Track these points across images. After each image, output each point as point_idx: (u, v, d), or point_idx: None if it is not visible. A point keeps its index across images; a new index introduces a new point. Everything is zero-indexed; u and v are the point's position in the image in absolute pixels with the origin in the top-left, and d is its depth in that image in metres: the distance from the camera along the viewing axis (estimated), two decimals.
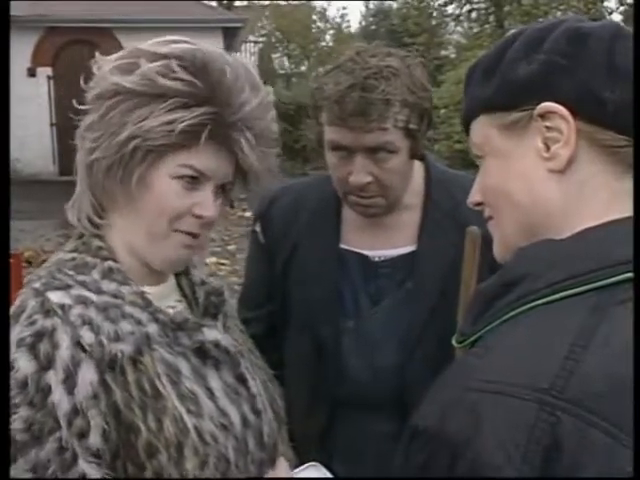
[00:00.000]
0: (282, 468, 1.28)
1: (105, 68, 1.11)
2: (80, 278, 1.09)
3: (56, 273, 1.10)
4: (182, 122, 1.05)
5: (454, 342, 0.84)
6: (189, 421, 1.06)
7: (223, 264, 7.65)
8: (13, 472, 0.97)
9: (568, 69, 0.80)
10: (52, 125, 15.47)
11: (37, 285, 1.07)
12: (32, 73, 15.62)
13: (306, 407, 1.66)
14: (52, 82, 15.43)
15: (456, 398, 0.71)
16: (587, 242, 0.77)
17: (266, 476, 1.21)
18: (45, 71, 15.61)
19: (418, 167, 1.64)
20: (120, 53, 1.13)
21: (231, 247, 9.08)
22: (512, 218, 0.86)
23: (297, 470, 1.41)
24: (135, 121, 1.06)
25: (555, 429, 0.65)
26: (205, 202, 1.12)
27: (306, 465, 1.44)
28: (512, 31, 0.91)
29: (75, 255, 1.13)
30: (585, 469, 0.63)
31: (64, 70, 14.83)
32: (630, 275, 0.72)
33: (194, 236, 1.14)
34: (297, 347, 1.70)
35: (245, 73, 1.12)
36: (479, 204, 0.92)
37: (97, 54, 1.14)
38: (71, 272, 1.10)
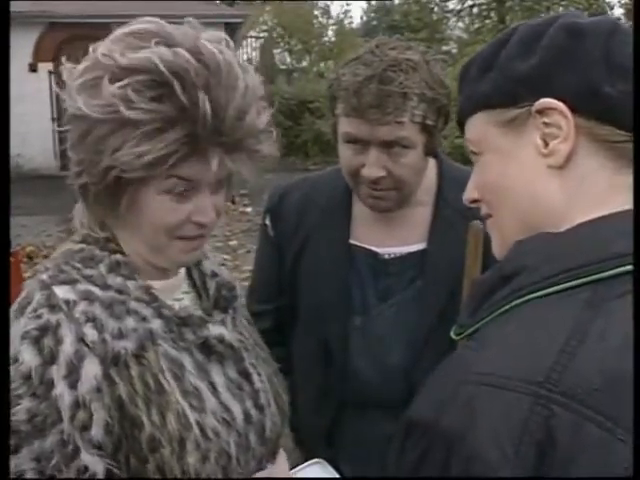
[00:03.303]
0: (282, 462, 1.28)
1: (72, 83, 1.06)
2: (87, 272, 1.09)
3: (63, 266, 1.10)
4: (153, 153, 1.00)
5: (452, 334, 0.85)
6: (192, 416, 1.07)
7: (224, 260, 7.65)
8: (17, 461, 0.98)
9: (566, 65, 0.80)
10: (53, 120, 15.46)
11: (44, 277, 1.08)
12: (33, 69, 15.63)
13: (313, 404, 1.66)
14: (53, 77, 15.42)
15: (451, 391, 0.71)
16: (583, 235, 0.77)
17: (266, 470, 1.22)
18: (46, 66, 15.59)
19: (431, 164, 1.62)
20: (85, 63, 1.06)
21: (232, 243, 9.07)
22: (511, 215, 0.86)
23: (302, 466, 1.42)
24: (109, 151, 1.02)
25: (549, 422, 0.65)
26: (202, 208, 1.10)
27: (311, 461, 1.44)
28: (508, 28, 0.90)
29: (83, 246, 1.13)
30: (579, 463, 0.63)
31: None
32: (628, 268, 0.71)
33: (198, 238, 1.14)
34: (305, 344, 1.70)
35: (217, 72, 1.02)
36: (475, 201, 0.91)
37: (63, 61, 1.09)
38: (78, 265, 1.10)
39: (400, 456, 0.75)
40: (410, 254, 1.61)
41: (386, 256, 1.62)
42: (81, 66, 1.07)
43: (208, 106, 1.00)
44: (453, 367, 0.76)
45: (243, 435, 1.15)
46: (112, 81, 1.01)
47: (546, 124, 0.80)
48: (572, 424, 0.64)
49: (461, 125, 0.92)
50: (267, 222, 1.75)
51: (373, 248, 1.63)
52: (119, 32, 1.08)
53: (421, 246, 1.61)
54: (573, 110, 0.79)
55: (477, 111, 0.87)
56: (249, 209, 11.27)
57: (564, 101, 0.79)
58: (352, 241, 1.65)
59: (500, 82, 0.84)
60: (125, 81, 1.00)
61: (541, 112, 0.80)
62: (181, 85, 1.00)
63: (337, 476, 1.47)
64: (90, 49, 1.07)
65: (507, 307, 0.76)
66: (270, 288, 1.75)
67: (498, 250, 0.90)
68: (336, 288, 1.63)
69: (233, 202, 11.70)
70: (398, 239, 1.62)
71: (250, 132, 1.07)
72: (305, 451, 1.57)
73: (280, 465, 1.27)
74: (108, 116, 1.01)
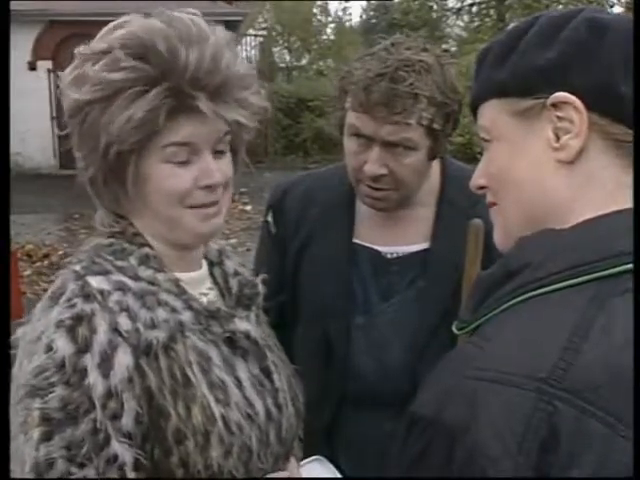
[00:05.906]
0: (294, 467, 1.29)
1: (64, 84, 1.11)
2: (119, 264, 1.11)
3: (95, 257, 1.12)
4: (140, 112, 1.04)
5: (454, 329, 0.85)
6: (216, 410, 1.09)
7: None
8: (49, 449, 0.99)
9: (585, 60, 0.80)
10: (53, 119, 15.45)
11: (77, 268, 1.09)
12: (32, 67, 15.62)
13: (313, 402, 1.65)
14: (52, 76, 15.41)
15: (454, 386, 0.71)
16: (588, 233, 0.77)
17: (280, 472, 1.22)
18: (45, 65, 15.59)
19: (435, 163, 1.61)
20: (73, 63, 1.12)
21: (232, 241, 9.07)
22: (516, 205, 0.86)
23: (302, 463, 1.41)
24: (105, 129, 1.06)
25: (552, 418, 0.65)
26: (206, 171, 1.11)
27: (311, 458, 1.44)
28: (528, 17, 0.90)
29: (113, 240, 1.15)
30: (582, 459, 0.64)
31: (65, 64, 14.78)
32: (632, 266, 0.72)
33: (211, 205, 1.14)
34: (306, 341, 1.69)
35: (184, 33, 1.08)
36: (482, 187, 0.91)
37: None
38: (110, 257, 1.12)
39: (403, 449, 0.75)
40: (413, 254, 1.61)
41: (389, 255, 1.62)
42: (69, 68, 1.12)
43: (184, 54, 1.05)
44: (455, 362, 0.76)
45: (264, 431, 1.16)
46: (95, 63, 1.07)
47: (559, 118, 0.80)
48: (575, 421, 0.65)
49: (474, 110, 0.91)
50: (269, 219, 1.74)
51: (376, 247, 1.63)
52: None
53: (424, 246, 1.61)
54: (588, 106, 0.79)
55: (491, 98, 0.87)
56: (249, 207, 11.27)
57: (580, 96, 0.79)
58: (355, 239, 1.64)
59: (517, 71, 0.83)
60: (106, 58, 1.06)
61: (555, 105, 0.80)
62: (158, 45, 1.05)
63: (336, 473, 1.47)
64: (76, 52, 1.12)
65: (511, 303, 0.76)
66: (271, 285, 1.74)
67: (499, 239, 0.91)
68: (338, 286, 1.63)
69: (232, 200, 11.68)
70: (401, 238, 1.62)
71: (230, 76, 1.10)
72: (305, 446, 1.56)
73: (292, 469, 1.27)
74: (97, 94, 1.05)
